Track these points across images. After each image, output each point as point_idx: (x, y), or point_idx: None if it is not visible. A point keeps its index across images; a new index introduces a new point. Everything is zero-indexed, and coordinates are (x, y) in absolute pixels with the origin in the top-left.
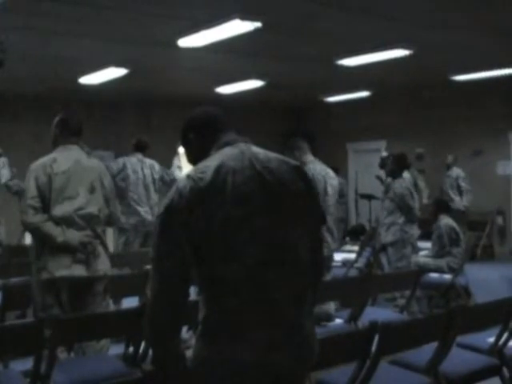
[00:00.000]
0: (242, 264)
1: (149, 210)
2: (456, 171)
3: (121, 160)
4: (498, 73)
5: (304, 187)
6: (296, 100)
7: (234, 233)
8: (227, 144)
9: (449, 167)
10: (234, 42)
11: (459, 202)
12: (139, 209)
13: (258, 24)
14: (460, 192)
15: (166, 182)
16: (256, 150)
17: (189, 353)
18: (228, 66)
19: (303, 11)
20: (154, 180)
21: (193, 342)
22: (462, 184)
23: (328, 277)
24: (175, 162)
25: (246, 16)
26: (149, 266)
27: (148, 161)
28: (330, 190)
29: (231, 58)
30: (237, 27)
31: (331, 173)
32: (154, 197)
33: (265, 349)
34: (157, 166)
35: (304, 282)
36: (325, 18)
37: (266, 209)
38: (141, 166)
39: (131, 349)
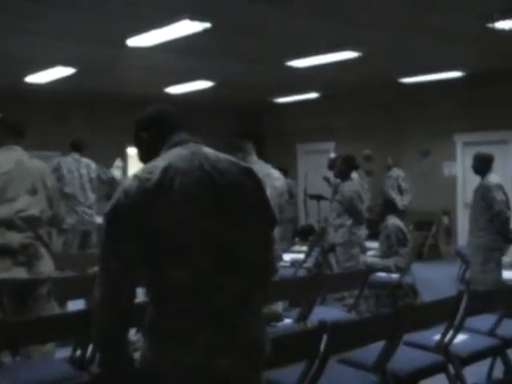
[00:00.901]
0: (189, 266)
1: (86, 210)
2: (396, 172)
3: (55, 160)
4: (444, 75)
5: (253, 189)
6: (246, 101)
7: (181, 234)
8: (177, 144)
9: (389, 168)
10: (184, 42)
11: (399, 202)
12: (77, 208)
13: (208, 24)
14: (400, 192)
15: (103, 181)
16: (206, 150)
17: (137, 355)
18: (177, 66)
19: (253, 12)
20: (90, 179)
21: (140, 343)
22: (402, 184)
23: (274, 278)
24: (116, 162)
25: (195, 16)
26: (93, 268)
27: (84, 160)
28: (270, 191)
29: (181, 58)
30: (186, 27)
31: (275, 174)
32: (91, 196)
33: (211, 351)
34: (93, 165)
35: (252, 283)
36: (274, 19)
37: (214, 210)
38: (77, 166)
39: (78, 352)
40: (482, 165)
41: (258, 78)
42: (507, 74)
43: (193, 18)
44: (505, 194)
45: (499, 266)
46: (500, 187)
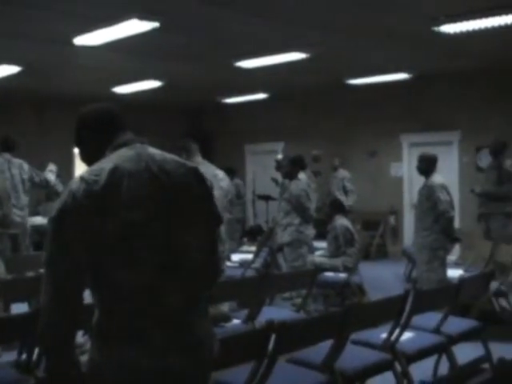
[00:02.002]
0: (136, 268)
1: (18, 212)
2: (342, 173)
3: None
4: (391, 77)
5: (200, 189)
6: (194, 101)
7: (129, 237)
8: (123, 145)
9: (335, 169)
10: (132, 41)
11: (345, 202)
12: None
13: (156, 24)
14: (345, 192)
15: (36, 183)
16: (153, 151)
17: (84, 357)
18: (125, 66)
19: (201, 12)
20: (22, 180)
21: (88, 346)
22: (347, 185)
23: (221, 279)
24: (49, 166)
25: (144, 16)
26: (39, 271)
27: (16, 160)
28: (217, 192)
29: (129, 57)
30: (135, 27)
31: (221, 174)
32: (24, 197)
33: (159, 352)
34: (25, 166)
35: (199, 284)
36: (223, 20)
37: (161, 212)
38: (8, 166)
39: (24, 355)
40: (427, 165)
41: (207, 78)
42: (452, 75)
43: (141, 17)
44: (449, 194)
45: (444, 265)
46: (444, 187)
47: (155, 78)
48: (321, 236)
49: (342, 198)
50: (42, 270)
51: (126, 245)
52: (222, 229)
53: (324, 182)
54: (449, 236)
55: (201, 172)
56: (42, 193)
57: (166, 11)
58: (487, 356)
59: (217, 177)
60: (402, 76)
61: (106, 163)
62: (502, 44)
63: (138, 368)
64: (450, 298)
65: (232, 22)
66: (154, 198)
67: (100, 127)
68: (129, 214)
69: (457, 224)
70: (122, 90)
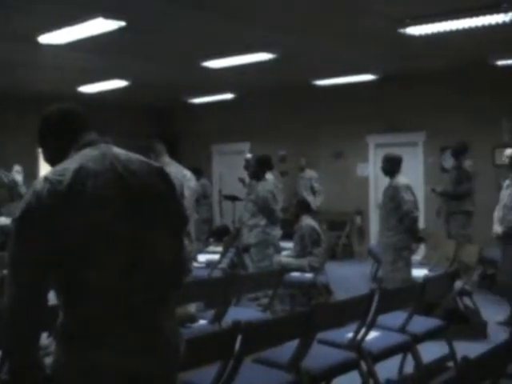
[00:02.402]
0: (102, 267)
1: None
2: (309, 173)
3: None
4: (357, 78)
5: (166, 189)
6: (161, 101)
7: (94, 236)
8: (88, 145)
9: (302, 169)
10: (98, 40)
11: (313, 203)
12: None
13: (122, 23)
14: (313, 193)
15: (4, 184)
16: (117, 151)
17: (48, 359)
18: (91, 65)
19: (168, 12)
20: None
21: (52, 348)
22: (315, 185)
23: (188, 279)
24: (15, 167)
25: (109, 15)
26: (2, 272)
27: None
28: (186, 192)
29: (94, 56)
30: (100, 26)
31: (189, 174)
32: None
33: (126, 353)
34: None
35: (166, 284)
36: (190, 20)
37: (127, 212)
38: None
39: None
40: (391, 166)
41: (174, 78)
42: (417, 77)
43: (107, 16)
44: (413, 194)
45: (408, 265)
46: (408, 188)
47: (121, 77)
48: (287, 236)
49: (309, 198)
50: (5, 271)
51: (91, 245)
52: (192, 229)
53: (291, 182)
54: (413, 236)
55: (166, 172)
56: (4, 194)
57: (132, 10)
58: (451, 354)
59: (185, 177)
60: (367, 77)
61: (71, 163)
62: (465, 46)
63: (103, 369)
64: (414, 297)
65: (199, 22)
66: (119, 197)
67: (63, 127)
68: (94, 213)
69: (421, 224)
70: (88, 89)
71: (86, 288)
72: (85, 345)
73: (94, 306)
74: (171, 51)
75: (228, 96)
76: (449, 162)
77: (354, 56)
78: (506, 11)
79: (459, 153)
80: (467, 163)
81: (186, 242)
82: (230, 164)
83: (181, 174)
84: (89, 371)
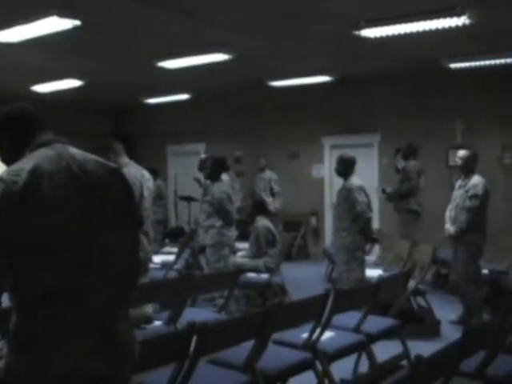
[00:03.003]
0: (58, 269)
1: None
2: (269, 174)
3: None
4: (313, 79)
5: (121, 190)
6: (117, 101)
7: (49, 238)
8: (43, 145)
9: (262, 170)
10: (52, 39)
11: (272, 204)
12: None
13: (77, 22)
14: (272, 194)
15: None
16: (73, 151)
17: (0, 363)
18: (46, 64)
19: (124, 11)
20: None
21: (5, 351)
22: (275, 187)
23: (145, 279)
24: None
25: (64, 13)
26: None
27: None
28: (146, 192)
29: (49, 55)
30: (55, 24)
31: (147, 175)
32: None
33: (81, 356)
34: None
35: (121, 286)
36: (146, 20)
37: (82, 212)
38: None
39: None
40: (345, 167)
41: (129, 78)
42: (372, 79)
43: (61, 14)
44: (367, 195)
45: (362, 265)
46: (362, 189)
47: (76, 77)
48: (243, 237)
49: (268, 199)
50: None
51: (45, 246)
52: (150, 229)
53: (248, 183)
54: (366, 237)
55: (122, 172)
56: None
57: (88, 9)
58: (405, 353)
59: (144, 177)
60: (323, 79)
61: (26, 163)
62: (419, 48)
63: (59, 372)
64: (369, 297)
65: (155, 22)
66: (75, 198)
67: (18, 127)
68: (49, 214)
69: (376, 225)
70: (43, 88)
71: (42, 290)
72: (41, 348)
73: (50, 308)
74: (127, 51)
75: (184, 96)
76: (402, 162)
77: (309, 57)
78: (459, 15)
79: (409, 154)
80: (411, 163)
81: (145, 241)
82: (186, 165)
83: (140, 175)
84: (43, 374)
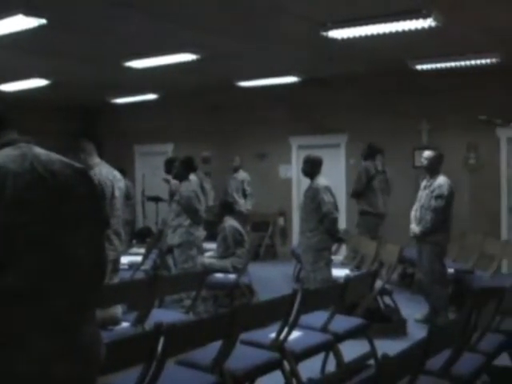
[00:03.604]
0: (22, 271)
1: None
2: (242, 175)
3: None
4: (280, 80)
5: (88, 190)
6: (84, 100)
7: (13, 240)
8: (7, 144)
9: (236, 170)
10: (18, 38)
11: (243, 205)
12: None
13: (43, 21)
14: (245, 195)
15: None
16: (38, 151)
17: None
18: (11, 63)
19: (92, 11)
20: None
21: None
22: (248, 188)
23: (116, 279)
24: None
25: (30, 12)
26: None
27: None
28: (117, 193)
29: (15, 54)
30: (20, 23)
31: (118, 175)
32: None
33: (47, 359)
34: None
35: (86, 287)
36: (114, 19)
37: (47, 214)
38: None
39: None
40: (311, 167)
41: (97, 77)
42: (340, 80)
43: (27, 13)
44: (333, 195)
45: (329, 265)
46: (328, 189)
47: (42, 76)
48: (210, 237)
49: (240, 200)
50: None
51: (9, 247)
52: (122, 230)
53: (217, 183)
54: (333, 237)
55: (88, 173)
56: None
57: (54, 8)
58: (372, 352)
59: (115, 177)
60: (291, 79)
61: None
62: (386, 50)
63: (23, 376)
64: (336, 297)
65: (123, 22)
66: (40, 199)
67: None
68: (13, 216)
69: (344, 225)
70: (7, 87)
71: (5, 292)
72: (4, 351)
73: (13, 310)
74: (94, 50)
75: (151, 96)
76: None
77: (277, 58)
78: (425, 17)
79: (367, 155)
80: (364, 165)
81: (117, 242)
82: (153, 165)
83: (111, 175)
84: (6, 375)
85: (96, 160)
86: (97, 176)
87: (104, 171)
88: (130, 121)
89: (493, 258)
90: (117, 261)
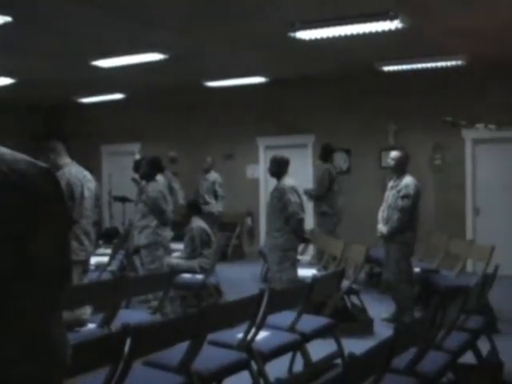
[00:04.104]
0: None
1: None
2: (213, 176)
3: None
4: (248, 80)
5: (52, 190)
6: (50, 100)
7: None
8: None
9: (207, 171)
10: None
11: (214, 206)
12: None
13: (8, 18)
14: (216, 197)
15: None
16: (2, 150)
17: None
18: None
19: (58, 9)
20: None
21: None
22: (219, 190)
23: (85, 280)
24: None
25: None
26: None
27: None
28: (86, 193)
29: None
30: None
31: (88, 175)
32: None
33: (11, 359)
34: None
35: (52, 289)
36: (79, 18)
37: (11, 214)
38: None
39: None
40: (278, 167)
41: (62, 76)
42: (307, 80)
43: None
44: (299, 196)
45: (295, 265)
46: (295, 189)
47: (6, 74)
48: (178, 238)
49: (211, 201)
50: None
51: None
52: (92, 230)
53: (185, 183)
54: (299, 237)
55: (53, 173)
56: None
57: (19, 5)
58: (339, 352)
59: (86, 177)
60: (258, 80)
61: None
62: (353, 51)
63: None
64: (303, 296)
65: (89, 20)
66: (5, 199)
67: None
68: None
69: (310, 225)
70: None
71: None
72: None
73: None
74: (60, 49)
75: (118, 96)
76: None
77: (244, 58)
78: (391, 19)
79: (325, 156)
80: (325, 167)
81: (86, 242)
82: (120, 165)
83: (81, 175)
84: None
85: (66, 160)
86: (66, 176)
87: (73, 171)
88: (97, 120)
89: (458, 258)
90: (86, 261)
